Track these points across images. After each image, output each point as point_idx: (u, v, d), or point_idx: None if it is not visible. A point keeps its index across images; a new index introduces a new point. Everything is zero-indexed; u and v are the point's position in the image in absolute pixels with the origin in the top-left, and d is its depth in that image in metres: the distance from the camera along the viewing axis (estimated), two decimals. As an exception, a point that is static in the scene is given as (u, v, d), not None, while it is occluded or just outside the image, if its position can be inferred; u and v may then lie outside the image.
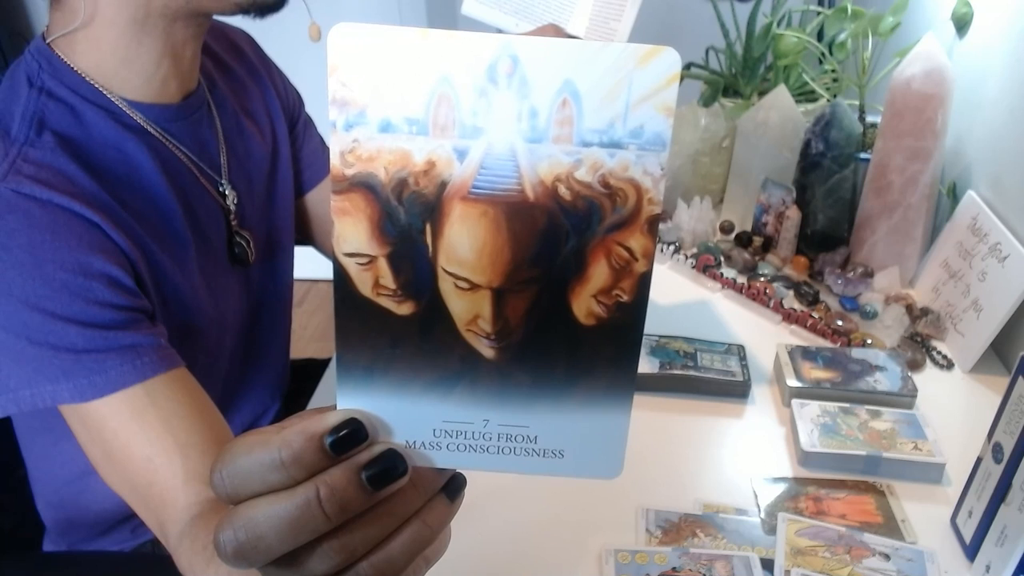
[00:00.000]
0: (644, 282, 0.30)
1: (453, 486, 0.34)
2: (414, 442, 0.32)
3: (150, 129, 0.73)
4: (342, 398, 0.32)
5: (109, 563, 0.87)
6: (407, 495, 0.32)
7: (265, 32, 0.96)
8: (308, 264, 1.13)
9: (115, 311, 0.63)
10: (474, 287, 0.30)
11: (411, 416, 0.32)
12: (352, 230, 0.29)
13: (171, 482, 0.60)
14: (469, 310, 0.31)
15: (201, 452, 0.62)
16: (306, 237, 1.02)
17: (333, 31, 0.27)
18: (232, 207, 0.82)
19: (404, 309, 0.31)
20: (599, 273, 0.30)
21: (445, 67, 0.27)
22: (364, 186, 0.29)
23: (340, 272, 0.30)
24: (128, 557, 0.88)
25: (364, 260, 0.30)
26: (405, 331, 0.31)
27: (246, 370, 0.92)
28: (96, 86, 0.70)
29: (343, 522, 0.30)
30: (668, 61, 0.27)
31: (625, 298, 0.30)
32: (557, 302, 0.30)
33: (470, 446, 0.33)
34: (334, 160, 0.28)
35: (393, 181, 0.29)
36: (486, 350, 0.31)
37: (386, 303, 0.30)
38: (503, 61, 0.27)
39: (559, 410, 0.32)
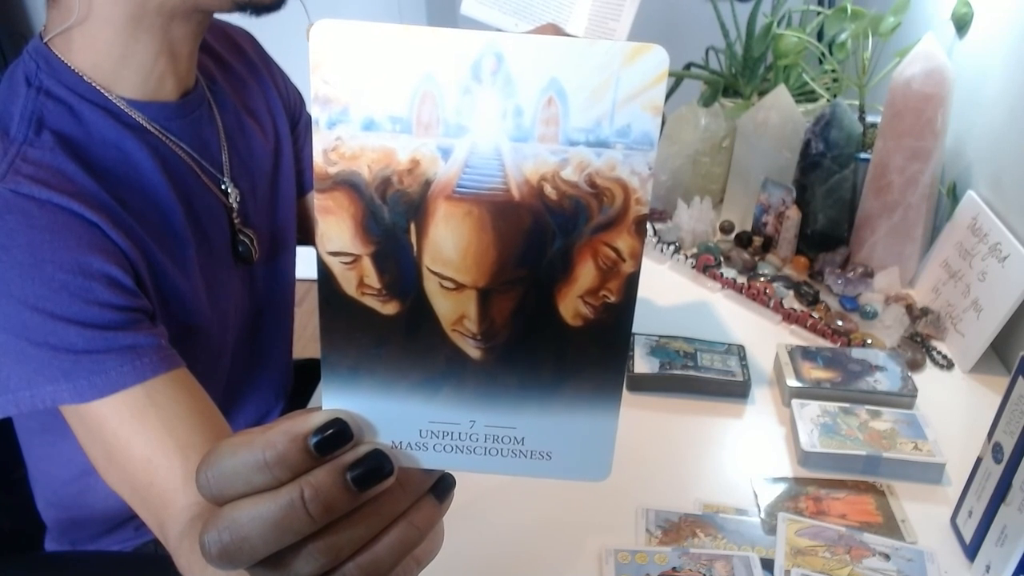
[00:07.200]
0: (632, 283, 0.30)
1: (442, 486, 0.34)
2: (400, 443, 0.32)
3: (149, 127, 0.73)
4: (327, 398, 0.31)
5: (110, 563, 0.87)
6: (393, 496, 0.31)
7: (265, 32, 0.96)
8: (308, 264, 1.13)
9: (115, 311, 0.63)
10: (459, 287, 0.30)
11: (397, 416, 0.32)
12: (336, 229, 0.29)
13: (171, 483, 0.60)
14: (455, 310, 0.30)
15: (201, 453, 0.62)
16: (307, 237, 1.02)
17: (315, 27, 0.27)
18: (235, 205, 0.82)
19: (389, 309, 0.30)
20: (586, 274, 0.30)
21: (429, 64, 0.27)
22: (347, 184, 0.28)
23: (324, 271, 0.30)
24: (129, 557, 0.87)
25: (348, 259, 0.29)
26: (390, 331, 0.31)
27: (250, 370, 0.92)
28: (94, 85, 0.70)
29: (329, 523, 0.30)
30: (656, 59, 0.27)
31: (612, 299, 0.30)
32: (543, 303, 0.30)
33: (457, 447, 0.32)
34: (317, 158, 0.28)
35: (377, 180, 0.28)
36: (472, 351, 0.31)
37: (371, 303, 0.30)
38: (487, 59, 0.27)
39: (546, 411, 0.32)
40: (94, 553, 0.87)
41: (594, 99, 0.27)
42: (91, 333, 0.61)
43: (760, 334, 1.00)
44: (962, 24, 1.12)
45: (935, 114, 0.99)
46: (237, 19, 0.76)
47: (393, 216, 0.29)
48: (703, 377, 0.89)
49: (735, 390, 0.89)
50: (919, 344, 0.97)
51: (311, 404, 1.03)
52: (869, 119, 1.16)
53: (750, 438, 0.85)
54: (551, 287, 0.30)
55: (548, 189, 0.29)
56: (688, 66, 1.30)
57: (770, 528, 0.72)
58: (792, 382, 0.87)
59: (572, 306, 0.30)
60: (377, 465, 0.30)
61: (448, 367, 0.31)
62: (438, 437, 0.32)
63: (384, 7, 2.31)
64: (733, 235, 1.20)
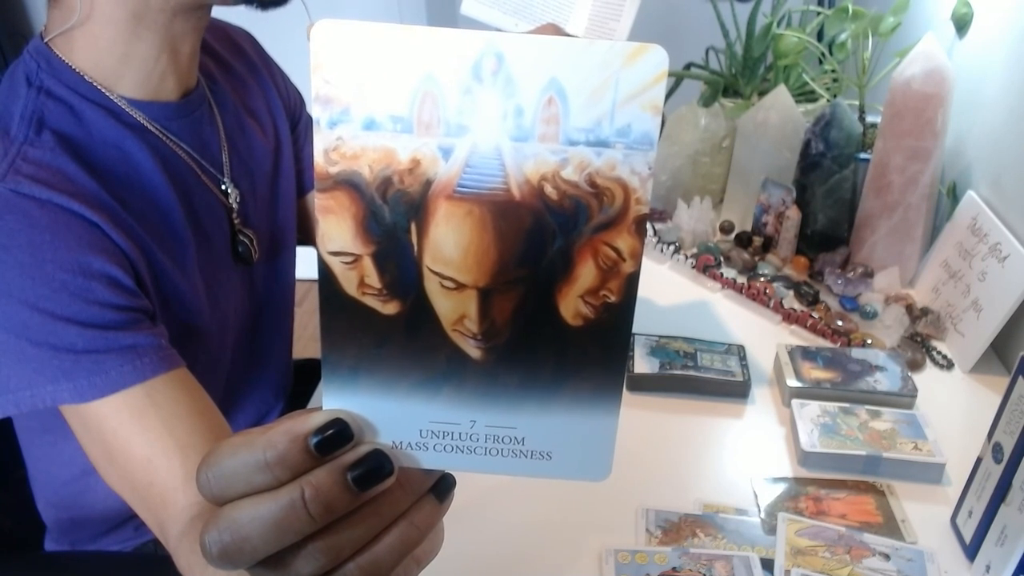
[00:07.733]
0: (632, 282, 0.30)
1: (442, 486, 0.34)
2: (400, 443, 0.32)
3: (150, 127, 0.73)
4: (328, 398, 0.31)
5: (110, 563, 0.87)
6: (394, 496, 0.31)
7: (265, 32, 0.96)
8: (308, 264, 1.13)
9: (115, 311, 0.63)
10: (460, 287, 0.30)
11: (397, 416, 0.32)
12: (336, 229, 0.29)
13: (171, 483, 0.60)
14: (455, 310, 0.30)
15: (201, 453, 0.62)
16: (307, 237, 1.02)
17: (316, 27, 0.27)
18: (235, 205, 0.82)
19: (389, 309, 0.30)
20: (586, 273, 0.30)
21: (430, 64, 0.27)
22: (348, 184, 0.28)
23: (325, 271, 0.30)
24: (129, 557, 0.88)
25: (349, 259, 0.30)
26: (391, 331, 0.31)
27: (249, 370, 0.92)
28: (95, 85, 0.69)
29: (329, 523, 0.30)
30: (655, 59, 0.27)
31: (613, 299, 0.30)
32: (544, 302, 0.30)
33: (457, 447, 0.32)
34: (318, 158, 0.28)
35: (378, 179, 0.28)
36: (472, 350, 0.31)
37: (371, 302, 0.30)
38: (488, 59, 0.27)
39: (546, 411, 0.32)
40: (94, 553, 0.87)
41: (594, 99, 0.27)
42: (91, 333, 0.61)
43: (760, 334, 1.00)
44: (962, 24, 1.12)
45: (935, 114, 0.99)
46: (242, 15, 0.76)
47: (394, 216, 0.29)
48: (703, 377, 0.89)
49: (735, 390, 0.89)
50: (919, 344, 0.97)
51: (311, 404, 1.03)
52: (869, 119, 1.16)
53: (750, 438, 0.85)
54: (551, 287, 0.30)
55: (548, 189, 0.29)
56: (688, 66, 1.30)
57: (770, 528, 0.72)
58: (792, 382, 0.87)
59: (572, 306, 0.30)
60: (377, 465, 0.30)
61: (448, 367, 0.31)
62: (438, 437, 0.32)
63: (384, 7, 2.31)
64: (733, 235, 1.20)
